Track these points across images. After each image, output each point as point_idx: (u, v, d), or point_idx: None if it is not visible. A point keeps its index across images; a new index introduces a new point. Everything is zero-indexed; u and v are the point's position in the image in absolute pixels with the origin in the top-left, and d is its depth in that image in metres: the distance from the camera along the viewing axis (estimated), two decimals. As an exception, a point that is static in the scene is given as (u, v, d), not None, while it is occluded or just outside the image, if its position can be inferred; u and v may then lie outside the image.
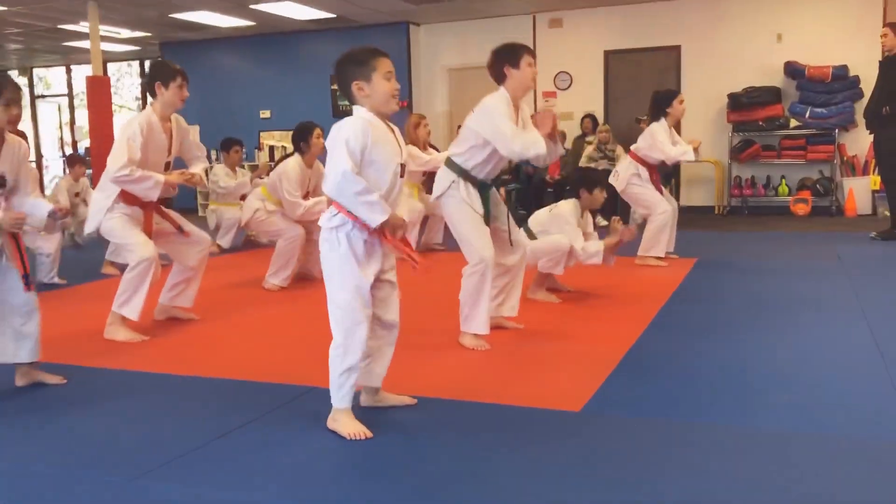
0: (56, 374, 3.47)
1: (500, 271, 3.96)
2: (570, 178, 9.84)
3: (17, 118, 3.33)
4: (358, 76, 2.74)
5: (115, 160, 4.11)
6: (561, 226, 4.81)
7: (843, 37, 9.68)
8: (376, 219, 2.66)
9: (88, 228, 4.36)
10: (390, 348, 2.93)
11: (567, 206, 4.91)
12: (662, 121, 6.19)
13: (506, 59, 3.81)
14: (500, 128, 3.68)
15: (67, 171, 8.50)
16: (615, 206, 7.46)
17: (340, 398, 2.72)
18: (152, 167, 4.23)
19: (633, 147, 6.38)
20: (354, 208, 2.66)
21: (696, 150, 6.23)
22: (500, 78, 3.82)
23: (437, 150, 7.38)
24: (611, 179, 6.36)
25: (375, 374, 2.92)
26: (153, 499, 2.31)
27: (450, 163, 3.88)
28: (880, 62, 7.24)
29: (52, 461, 2.59)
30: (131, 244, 4.19)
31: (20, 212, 3.30)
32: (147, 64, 14.47)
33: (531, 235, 4.84)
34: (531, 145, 3.65)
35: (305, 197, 5.67)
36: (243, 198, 7.28)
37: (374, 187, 2.69)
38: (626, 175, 6.29)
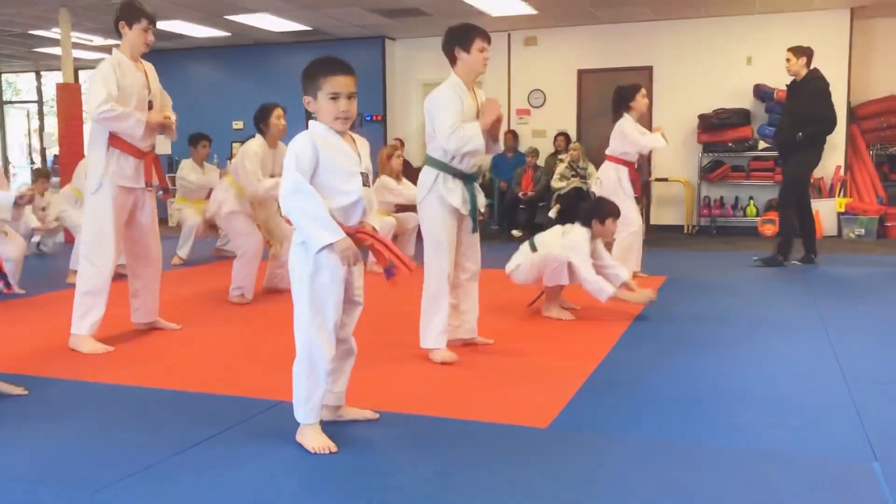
0: (17, 384, 3.41)
1: (454, 286, 3.93)
2: (542, 194, 9.94)
3: None
4: (307, 90, 2.71)
5: (94, 98, 4.02)
6: (571, 251, 4.78)
7: (812, 61, 9.84)
8: (320, 240, 2.55)
9: (90, 188, 4.21)
10: (350, 364, 2.91)
11: (580, 234, 4.86)
12: (627, 115, 6.24)
13: (457, 41, 3.76)
14: (439, 123, 3.65)
15: (31, 186, 8.37)
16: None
17: (305, 414, 2.69)
18: (136, 108, 4.14)
19: (607, 151, 6.39)
20: (301, 225, 2.58)
21: (663, 135, 6.33)
22: (451, 60, 3.80)
23: (412, 182, 7.39)
24: (594, 188, 6.39)
25: (336, 392, 2.90)
26: (113, 513, 2.27)
27: (429, 160, 3.84)
28: (787, 86, 7.20)
29: (9, 475, 2.53)
30: (97, 246, 4.11)
31: None
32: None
33: (532, 247, 4.91)
34: (467, 141, 3.62)
35: None
36: (209, 196, 7.12)
37: (338, 194, 2.64)
38: (609, 183, 6.22)
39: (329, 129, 2.69)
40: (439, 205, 3.78)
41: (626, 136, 6.17)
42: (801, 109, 6.96)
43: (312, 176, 2.62)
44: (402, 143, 10.42)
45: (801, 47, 6.99)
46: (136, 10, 4.18)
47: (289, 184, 2.58)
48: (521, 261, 4.93)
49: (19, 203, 3.27)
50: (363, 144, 2.83)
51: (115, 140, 4.15)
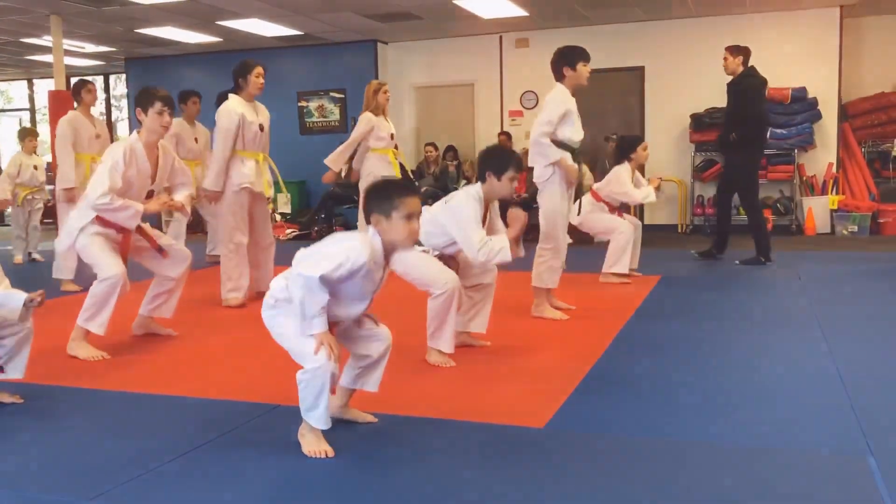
0: (12, 392, 3.39)
1: (473, 287, 3.98)
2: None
3: None
4: (377, 210, 2.66)
5: (96, 187, 4.07)
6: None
7: (802, 59, 9.91)
8: (307, 330, 2.60)
9: (60, 246, 4.26)
10: (383, 360, 2.96)
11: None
12: (626, 164, 6.37)
13: (491, 165, 3.81)
14: (468, 234, 3.70)
15: (19, 146, 8.43)
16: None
17: (317, 419, 2.66)
18: (135, 194, 4.20)
19: (595, 186, 6.52)
20: (299, 307, 2.59)
21: (657, 189, 6.43)
22: (481, 176, 3.85)
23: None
24: (572, 219, 6.35)
25: (371, 379, 2.96)
26: (110, 519, 2.27)
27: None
28: (727, 86, 7.18)
29: (5, 483, 2.53)
30: (100, 263, 4.12)
31: None
32: (112, 79, 14.32)
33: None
34: (496, 255, 3.67)
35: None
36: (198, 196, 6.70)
37: (344, 306, 2.70)
38: (583, 209, 6.21)
39: (381, 249, 2.68)
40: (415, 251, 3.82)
41: (620, 184, 6.30)
42: (735, 109, 7.01)
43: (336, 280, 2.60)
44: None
45: (737, 46, 7.03)
46: (149, 95, 4.24)
47: (312, 272, 2.54)
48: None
49: (28, 305, 3.23)
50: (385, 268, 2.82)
51: (102, 218, 4.16)
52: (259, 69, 5.49)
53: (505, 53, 11.14)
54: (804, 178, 10.05)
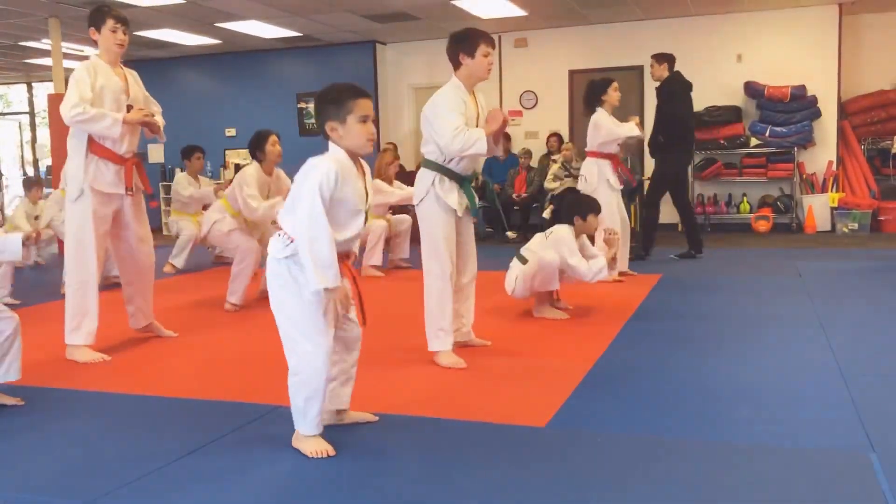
0: (13, 395, 3.40)
1: (454, 291, 3.92)
2: (536, 195, 9.95)
3: None
4: (332, 116, 2.65)
5: (67, 102, 4.01)
6: (559, 247, 4.78)
7: (802, 57, 9.91)
8: (322, 281, 2.51)
9: (70, 196, 4.19)
10: (354, 369, 2.90)
11: (564, 230, 4.88)
12: (600, 109, 6.29)
13: (461, 46, 3.76)
14: (441, 126, 3.64)
15: (25, 195, 8.36)
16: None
17: (307, 425, 2.66)
18: (112, 109, 4.12)
19: (586, 147, 6.43)
20: (305, 255, 2.52)
21: (637, 125, 6.40)
22: (455, 64, 3.80)
23: (403, 185, 7.42)
24: (580, 185, 6.41)
25: (342, 396, 2.90)
26: (112, 521, 2.27)
27: (426, 162, 3.84)
28: (655, 90, 7.47)
29: (6, 485, 2.53)
30: (79, 255, 4.09)
31: None
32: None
33: (522, 260, 4.86)
34: (471, 144, 3.61)
35: None
36: (205, 208, 7.05)
37: (342, 228, 2.63)
38: (592, 178, 6.25)
39: (348, 157, 2.66)
40: (437, 206, 3.78)
41: (600, 127, 6.22)
42: (662, 113, 7.29)
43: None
44: (396, 147, 10.43)
45: (662, 54, 7.41)
46: (102, 12, 4.19)
47: (306, 207, 2.52)
48: (517, 274, 4.87)
49: (26, 244, 3.23)
50: (369, 177, 2.80)
51: (94, 146, 4.13)
52: (273, 137, 5.58)
53: (504, 53, 11.13)
54: (804, 176, 10.05)
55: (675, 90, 7.27)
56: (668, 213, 10.57)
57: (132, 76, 4.33)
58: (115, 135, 4.12)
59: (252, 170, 5.56)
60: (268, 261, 2.72)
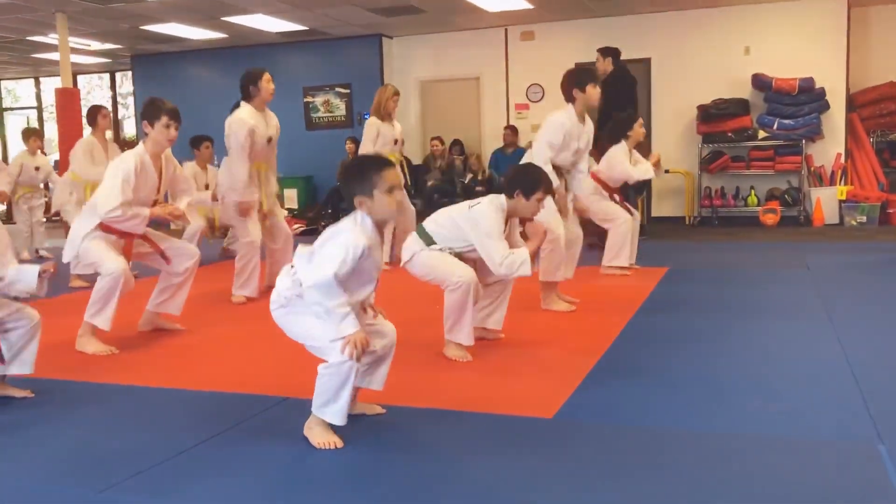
0: (23, 387, 3.42)
1: (491, 284, 3.95)
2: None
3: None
4: (357, 191, 2.66)
5: (108, 200, 4.08)
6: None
7: (810, 49, 9.85)
8: (340, 332, 2.58)
9: (66, 257, 4.31)
10: (388, 357, 2.96)
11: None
12: (623, 143, 6.33)
13: (522, 184, 3.75)
14: (490, 247, 3.68)
15: (24, 146, 8.39)
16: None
17: (333, 414, 2.66)
18: (140, 203, 4.22)
19: (594, 169, 6.45)
20: (325, 314, 2.59)
21: (656, 164, 6.38)
22: (509, 192, 3.78)
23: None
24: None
25: (377, 377, 2.94)
26: (121, 511, 2.29)
27: (423, 232, 3.85)
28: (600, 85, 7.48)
29: (19, 475, 2.55)
30: (102, 260, 4.14)
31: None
32: (118, 76, 14.35)
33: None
34: (518, 269, 3.65)
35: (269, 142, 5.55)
36: (214, 199, 6.85)
37: (352, 293, 2.66)
38: (586, 194, 6.23)
39: (374, 229, 2.69)
40: (425, 254, 3.81)
41: (614, 166, 6.27)
42: (606, 106, 7.19)
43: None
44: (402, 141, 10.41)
45: (607, 48, 7.57)
46: (156, 108, 4.25)
47: (323, 279, 2.54)
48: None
49: (42, 276, 3.26)
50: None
51: (106, 225, 4.19)
52: (268, 75, 5.49)
53: (510, 46, 11.11)
54: (812, 169, 10.01)
55: (621, 86, 7.37)
56: (673, 206, 10.61)
57: (167, 164, 4.38)
58: (139, 231, 4.25)
59: (243, 112, 5.43)
60: (272, 297, 2.76)
